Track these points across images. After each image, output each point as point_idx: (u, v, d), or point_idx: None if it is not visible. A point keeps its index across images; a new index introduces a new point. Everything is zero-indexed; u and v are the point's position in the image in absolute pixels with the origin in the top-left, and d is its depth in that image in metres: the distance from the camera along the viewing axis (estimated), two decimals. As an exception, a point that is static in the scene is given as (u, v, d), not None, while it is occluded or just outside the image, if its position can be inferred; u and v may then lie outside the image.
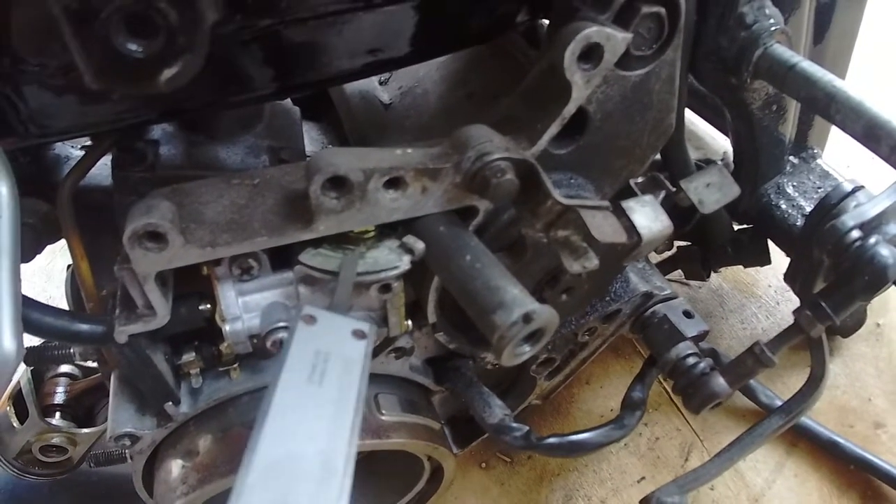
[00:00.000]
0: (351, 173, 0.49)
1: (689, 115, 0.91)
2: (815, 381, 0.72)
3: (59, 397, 0.85)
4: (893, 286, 0.68)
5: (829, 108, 0.61)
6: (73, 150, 0.70)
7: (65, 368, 0.87)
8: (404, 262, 0.54)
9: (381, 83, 0.75)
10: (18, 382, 0.82)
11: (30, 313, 0.55)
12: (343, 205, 0.51)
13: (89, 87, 0.43)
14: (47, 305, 0.57)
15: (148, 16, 0.39)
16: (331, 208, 0.51)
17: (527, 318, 0.46)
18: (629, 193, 0.66)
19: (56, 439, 0.83)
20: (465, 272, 0.51)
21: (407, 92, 0.73)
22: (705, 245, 0.87)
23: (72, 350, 0.76)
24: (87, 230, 0.62)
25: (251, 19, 0.50)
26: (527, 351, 0.49)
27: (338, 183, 0.50)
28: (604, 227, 0.54)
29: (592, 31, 0.51)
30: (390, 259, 0.54)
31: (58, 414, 0.85)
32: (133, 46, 0.40)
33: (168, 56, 0.41)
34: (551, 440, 0.68)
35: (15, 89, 0.49)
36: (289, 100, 0.73)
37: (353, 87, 0.72)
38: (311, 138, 0.75)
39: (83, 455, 0.87)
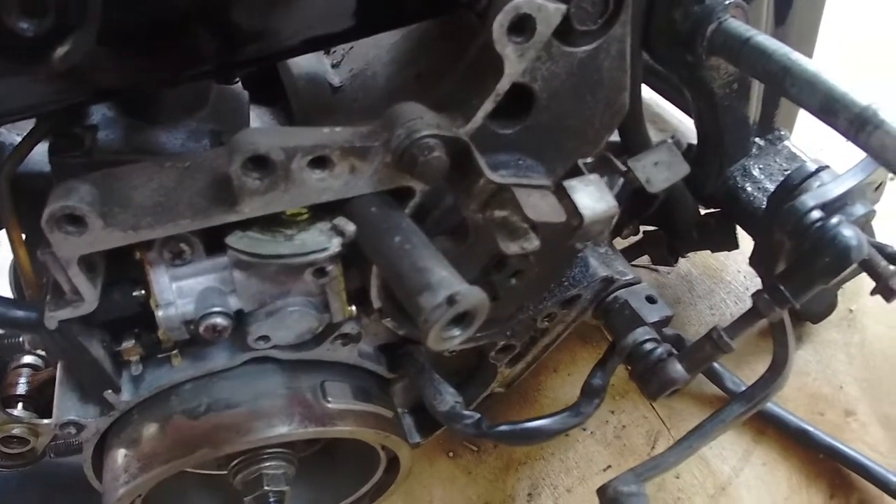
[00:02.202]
0: (272, 152, 0.47)
1: (655, 97, 0.88)
2: (778, 367, 0.69)
3: (21, 388, 0.83)
4: (864, 272, 0.65)
5: (785, 81, 0.58)
6: (17, 137, 0.68)
7: (27, 359, 0.85)
8: (334, 245, 0.52)
9: (333, 66, 0.73)
10: (-23, 373, 0.81)
11: (-36, 300, 0.54)
12: (266, 185, 0.49)
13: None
14: (-21, 292, 0.55)
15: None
16: (254, 189, 0.49)
17: (451, 300, 0.44)
18: (577, 174, 0.63)
19: (17, 430, 0.82)
20: (394, 253, 0.48)
21: (357, 74, 0.70)
22: (671, 230, 0.84)
23: (20, 339, 0.74)
24: (29, 216, 0.61)
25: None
26: (456, 335, 0.47)
27: (259, 163, 0.48)
28: (540, 207, 0.51)
29: (522, 2, 0.48)
30: (319, 241, 0.51)
31: (20, 405, 0.83)
32: (24, 25, 0.38)
33: (58, 34, 0.39)
34: (503, 427, 0.65)
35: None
36: (238, 84, 0.71)
37: (301, 69, 0.70)
38: (262, 122, 0.72)
39: (46, 445, 0.85)
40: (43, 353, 0.85)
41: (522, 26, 0.50)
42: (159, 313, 0.55)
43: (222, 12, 0.50)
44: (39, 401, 0.85)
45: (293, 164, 0.48)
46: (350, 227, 0.52)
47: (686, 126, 0.85)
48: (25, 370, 0.85)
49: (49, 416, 0.84)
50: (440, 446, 0.89)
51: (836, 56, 1.03)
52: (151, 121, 0.63)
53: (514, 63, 0.51)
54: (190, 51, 0.53)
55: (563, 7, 0.50)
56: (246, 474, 0.68)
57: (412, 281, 0.46)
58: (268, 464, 0.67)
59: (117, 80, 0.53)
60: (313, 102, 0.68)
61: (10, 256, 0.99)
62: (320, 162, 0.49)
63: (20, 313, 0.55)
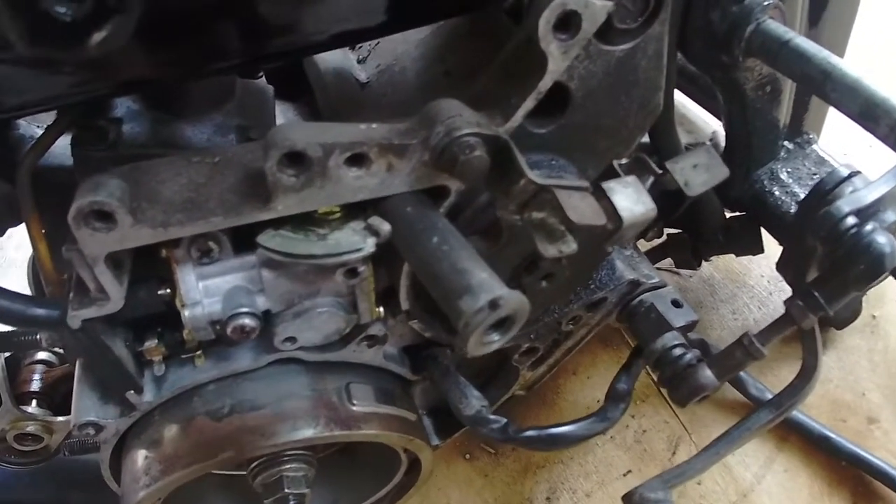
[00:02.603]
0: (309, 148, 0.45)
1: (681, 98, 0.87)
2: (806, 375, 0.68)
3: (35, 385, 0.82)
4: (891, 276, 0.64)
5: (825, 85, 0.57)
6: (38, 129, 0.66)
7: (41, 355, 0.84)
8: (368, 245, 0.50)
9: (359, 61, 0.71)
10: (-8, 370, 0.79)
11: (-16, 297, 0.52)
12: (302, 182, 0.47)
13: (22, 54, 0.39)
14: (2, 289, 0.53)
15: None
16: (289, 186, 0.47)
17: (494, 304, 0.42)
18: (613, 175, 0.61)
19: (31, 427, 0.80)
20: (432, 254, 0.47)
21: (385, 70, 0.69)
22: (696, 233, 0.82)
23: (38, 336, 0.73)
24: (52, 211, 0.59)
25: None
26: (496, 340, 0.45)
27: (296, 159, 0.46)
28: (581, 209, 0.50)
29: (569, -1, 0.47)
30: (353, 241, 0.50)
31: (34, 402, 0.81)
32: (61, 9, 0.37)
33: (98, 18, 0.37)
34: (529, 433, 0.64)
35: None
36: (263, 78, 0.69)
37: (328, 64, 0.68)
38: (287, 118, 0.71)
39: (61, 443, 0.84)
40: (58, 349, 0.83)
41: (568, 23, 0.48)
42: (185, 313, 0.54)
43: (251, 4, 0.48)
44: (54, 397, 0.84)
45: (330, 161, 0.47)
46: (385, 227, 0.50)
47: (710, 127, 0.83)
48: (39, 367, 0.84)
49: (63, 413, 0.83)
50: (457, 448, 0.87)
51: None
52: (177, 114, 0.61)
53: (558, 60, 0.50)
54: (217, 43, 0.51)
55: (609, 4, 0.49)
56: (266, 476, 0.66)
57: (452, 283, 0.45)
58: (288, 466, 0.66)
59: (142, 72, 0.51)
60: (341, 98, 0.67)
61: (27, 252, 0.97)
62: (358, 159, 0.48)
63: (41, 311, 0.53)
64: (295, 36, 0.52)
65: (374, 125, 0.49)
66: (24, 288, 0.79)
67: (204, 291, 0.54)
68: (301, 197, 0.48)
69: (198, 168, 0.51)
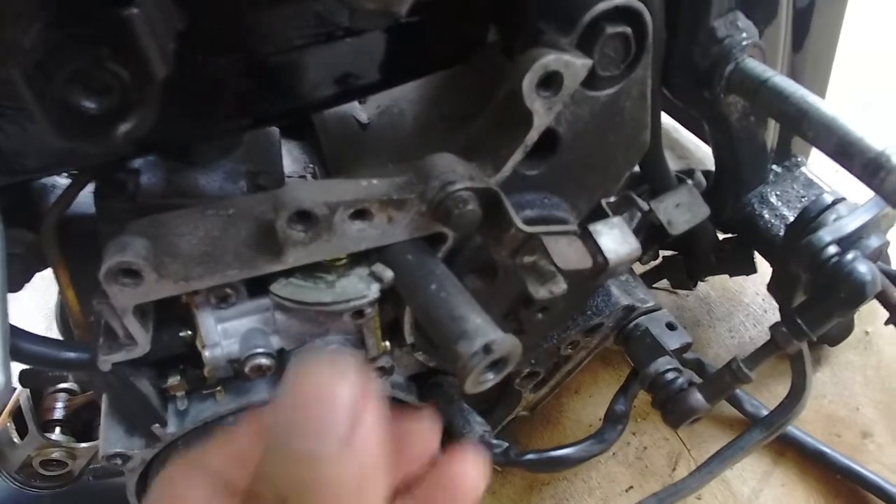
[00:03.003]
0: (316, 207, 0.51)
1: (673, 124, 0.91)
2: (796, 394, 0.73)
3: (59, 412, 0.89)
4: (876, 300, 0.68)
5: (802, 124, 0.62)
6: (58, 178, 0.72)
7: (64, 384, 0.90)
8: (373, 291, 0.56)
9: (360, 102, 0.77)
10: (18, 399, 0.86)
11: (19, 343, 0.58)
12: (310, 237, 0.52)
13: (50, 143, 0.45)
14: (35, 335, 0.59)
15: (100, 75, 0.41)
16: (298, 241, 0.52)
17: (488, 348, 0.48)
18: (601, 213, 0.67)
19: (56, 454, 0.87)
20: (431, 301, 0.52)
21: (384, 111, 0.74)
22: (690, 255, 0.87)
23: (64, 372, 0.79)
24: (75, 258, 0.65)
25: (215, 58, 0.51)
26: (490, 378, 0.51)
27: (304, 217, 0.51)
28: (568, 254, 0.55)
29: (550, 60, 0.52)
30: (359, 288, 0.55)
31: (57, 429, 0.88)
32: (89, 104, 0.42)
33: (123, 111, 0.42)
34: (530, 456, 0.69)
35: (-6, 131, 0.52)
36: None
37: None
38: (293, 157, 0.76)
39: (83, 467, 0.90)
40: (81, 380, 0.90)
41: (550, 82, 0.53)
42: (206, 353, 0.59)
43: (261, 73, 0.54)
44: (76, 424, 0.91)
45: (335, 217, 0.52)
46: (388, 274, 0.55)
47: (703, 151, 0.88)
48: (62, 395, 0.91)
49: (86, 438, 0.90)
50: (464, 466, 0.93)
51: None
52: (189, 163, 0.67)
53: (543, 116, 0.55)
54: (229, 107, 0.57)
55: (589, 62, 0.54)
56: (282, 500, 0.72)
57: (449, 328, 0.50)
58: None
59: (160, 137, 0.57)
60: (343, 139, 0.72)
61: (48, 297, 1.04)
62: (361, 214, 0.53)
63: (72, 355, 0.59)
64: (300, 97, 0.58)
65: (374, 181, 0.54)
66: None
67: (222, 333, 0.60)
68: (309, 250, 0.53)
69: (213, 221, 0.57)
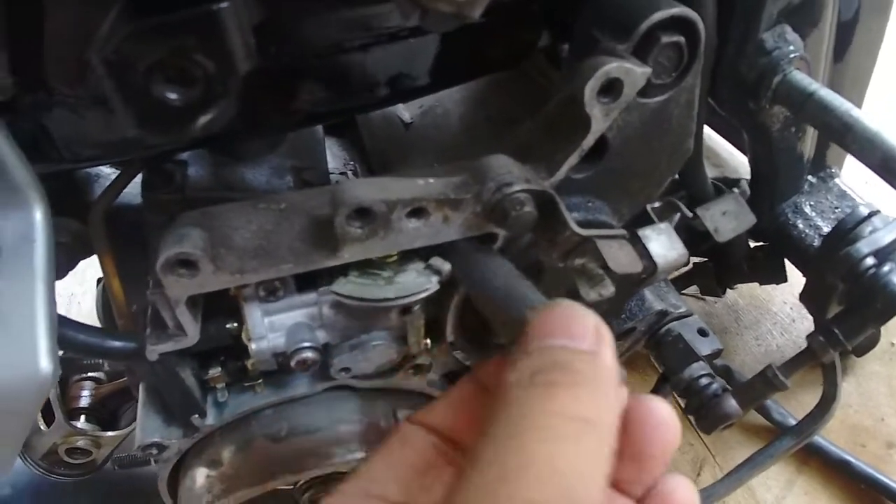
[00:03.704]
0: (375, 205, 0.52)
1: (709, 132, 0.93)
2: (826, 403, 0.75)
3: (85, 401, 0.90)
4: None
5: (846, 137, 0.64)
6: (103, 168, 0.73)
7: (90, 372, 0.92)
8: (433, 284, 0.57)
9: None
10: (46, 387, 0.87)
11: (65, 332, 0.59)
12: (367, 233, 0.54)
13: (125, 134, 0.46)
14: (81, 323, 0.60)
15: (185, 66, 0.42)
16: (355, 237, 0.54)
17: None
18: (645, 218, 0.68)
19: (81, 442, 0.88)
20: (490, 285, 0.53)
21: (427, 111, 0.76)
22: (721, 262, 0.89)
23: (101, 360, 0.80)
24: (117, 248, 0.66)
25: (281, 55, 0.53)
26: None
27: (362, 214, 0.53)
28: (620, 258, 0.57)
29: (612, 67, 0.53)
30: (420, 282, 0.57)
31: (83, 417, 0.89)
32: (172, 95, 0.43)
33: (205, 104, 0.44)
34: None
35: (50, 118, 0.53)
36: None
37: (374, 107, 0.75)
38: (333, 154, 0.78)
39: (107, 456, 0.92)
40: (106, 368, 0.91)
41: (611, 89, 0.55)
42: (252, 346, 0.61)
43: (320, 71, 0.56)
44: (103, 413, 0.92)
45: (393, 215, 0.54)
46: (446, 266, 0.57)
47: (737, 160, 0.90)
48: (88, 384, 0.92)
49: (110, 428, 0.91)
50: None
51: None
52: (237, 157, 0.69)
53: (601, 121, 0.56)
54: (285, 104, 0.58)
55: (648, 70, 0.55)
56: (313, 493, 0.74)
57: (513, 298, 0.51)
58: (334, 484, 0.73)
59: (216, 133, 0.58)
60: (387, 138, 0.74)
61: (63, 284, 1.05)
62: (417, 212, 0.54)
63: (118, 344, 0.61)
64: (353, 97, 0.60)
65: (431, 180, 0.56)
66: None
67: (269, 327, 0.61)
68: (365, 246, 0.55)
69: (265, 215, 0.58)
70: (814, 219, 0.83)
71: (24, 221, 0.51)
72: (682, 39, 0.58)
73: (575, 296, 0.66)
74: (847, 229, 0.73)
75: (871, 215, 0.74)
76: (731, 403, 0.71)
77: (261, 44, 0.48)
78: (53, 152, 0.55)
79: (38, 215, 0.52)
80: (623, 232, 0.61)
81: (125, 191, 0.69)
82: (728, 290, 0.94)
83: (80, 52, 0.44)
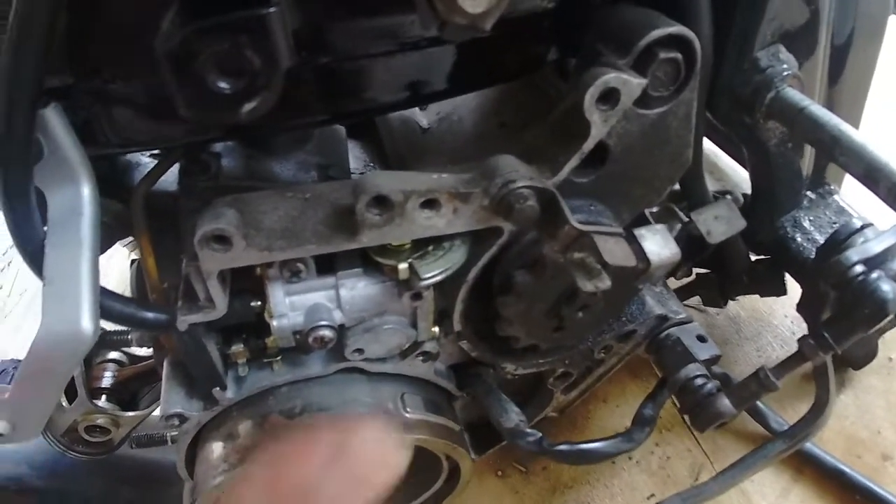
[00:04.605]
0: (392, 194, 0.60)
1: (713, 148, 1.00)
2: (819, 408, 0.80)
3: (107, 381, 0.97)
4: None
5: (834, 150, 0.70)
6: (142, 156, 0.82)
7: (113, 355, 0.99)
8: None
9: (420, 109, 0.86)
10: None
11: (104, 300, 0.67)
12: (384, 220, 0.61)
13: (182, 115, 0.54)
14: (119, 294, 0.68)
15: (236, 59, 0.50)
16: (374, 223, 0.61)
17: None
18: (642, 221, 0.75)
19: (101, 420, 0.95)
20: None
21: (444, 118, 0.84)
22: (723, 273, 0.95)
23: (129, 336, 0.88)
24: (152, 230, 0.74)
25: (312, 58, 0.61)
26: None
27: (381, 202, 0.60)
28: (615, 252, 0.64)
29: (611, 77, 0.61)
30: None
31: (104, 397, 0.96)
32: (223, 84, 0.51)
33: (250, 93, 0.52)
34: (562, 447, 0.77)
35: (104, 106, 0.61)
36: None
37: (394, 111, 0.83)
38: (354, 156, 0.86)
39: (124, 437, 0.99)
40: (131, 350, 0.99)
41: (609, 97, 0.62)
42: (274, 323, 0.68)
43: (346, 74, 0.64)
44: (123, 394, 0.99)
45: (408, 205, 0.61)
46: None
47: (740, 175, 0.96)
48: (111, 365, 0.99)
49: (131, 409, 0.98)
50: (489, 465, 1.00)
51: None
52: (266, 151, 0.77)
53: (599, 127, 0.64)
54: (312, 103, 0.66)
55: (644, 81, 0.63)
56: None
57: None
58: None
59: (251, 124, 0.67)
60: (405, 142, 0.82)
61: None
62: (430, 203, 0.62)
63: (152, 315, 0.68)
64: (374, 99, 0.68)
65: (444, 175, 0.63)
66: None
67: (290, 306, 0.69)
68: (382, 232, 0.62)
69: (291, 202, 0.66)
70: (812, 233, 0.89)
71: (73, 196, 0.59)
72: (678, 56, 0.65)
73: (574, 290, 0.73)
74: (840, 240, 0.79)
75: (863, 227, 0.80)
76: (725, 402, 0.77)
77: (297, 46, 0.57)
78: (103, 136, 0.63)
79: (87, 191, 0.60)
80: (620, 230, 0.68)
81: (160, 179, 0.78)
82: (730, 303, 1.00)
83: (137, 45, 0.53)
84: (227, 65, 0.50)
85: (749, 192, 0.91)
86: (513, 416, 0.78)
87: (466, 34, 0.55)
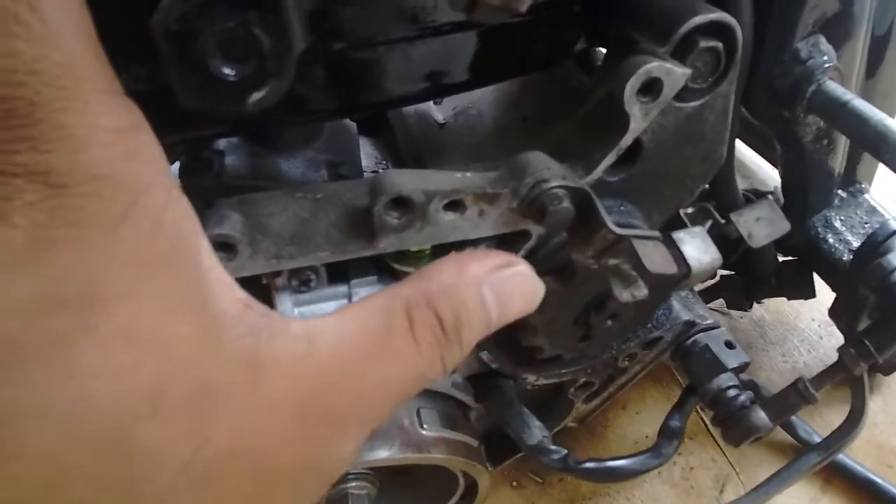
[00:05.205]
0: (414, 194, 0.53)
1: (738, 145, 0.94)
2: (854, 419, 0.74)
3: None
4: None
5: (879, 147, 0.64)
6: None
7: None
8: None
9: (435, 103, 0.80)
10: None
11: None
12: (404, 224, 0.55)
13: (181, 105, 0.48)
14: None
15: (242, 40, 0.44)
16: (392, 227, 0.55)
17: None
18: (677, 223, 0.69)
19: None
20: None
21: (461, 112, 0.77)
22: (749, 275, 0.90)
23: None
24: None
25: (325, 43, 0.54)
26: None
27: (401, 203, 0.54)
28: (655, 258, 0.57)
29: (653, 66, 0.55)
30: None
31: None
32: (227, 70, 0.44)
33: (258, 80, 0.45)
34: (589, 465, 0.71)
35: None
36: (344, 115, 0.78)
37: (410, 106, 0.77)
38: (366, 153, 0.79)
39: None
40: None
41: (650, 88, 0.56)
42: (282, 335, 0.62)
43: (359, 63, 0.57)
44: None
45: (431, 206, 0.55)
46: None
47: (766, 173, 0.91)
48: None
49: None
50: (504, 476, 0.94)
51: None
52: (273, 149, 0.70)
53: (640, 120, 0.58)
54: (321, 94, 0.60)
55: (688, 71, 0.57)
56: (332, 492, 0.74)
57: None
58: (353, 484, 0.73)
59: (257, 118, 0.60)
60: (421, 137, 0.75)
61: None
62: (454, 205, 0.56)
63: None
64: (390, 90, 0.61)
65: (468, 174, 0.57)
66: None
67: (298, 317, 0.62)
68: (401, 237, 0.56)
69: (301, 203, 0.59)
70: (843, 233, 0.84)
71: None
72: (719, 45, 0.59)
73: (604, 298, 0.67)
74: (878, 242, 0.74)
75: (902, 229, 0.75)
76: (761, 416, 0.71)
77: (310, 31, 0.50)
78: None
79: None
80: (657, 234, 0.62)
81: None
82: (754, 306, 0.94)
83: (129, 24, 0.46)
84: (233, 47, 0.43)
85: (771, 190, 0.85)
86: (535, 431, 0.72)
87: (498, 17, 0.48)
